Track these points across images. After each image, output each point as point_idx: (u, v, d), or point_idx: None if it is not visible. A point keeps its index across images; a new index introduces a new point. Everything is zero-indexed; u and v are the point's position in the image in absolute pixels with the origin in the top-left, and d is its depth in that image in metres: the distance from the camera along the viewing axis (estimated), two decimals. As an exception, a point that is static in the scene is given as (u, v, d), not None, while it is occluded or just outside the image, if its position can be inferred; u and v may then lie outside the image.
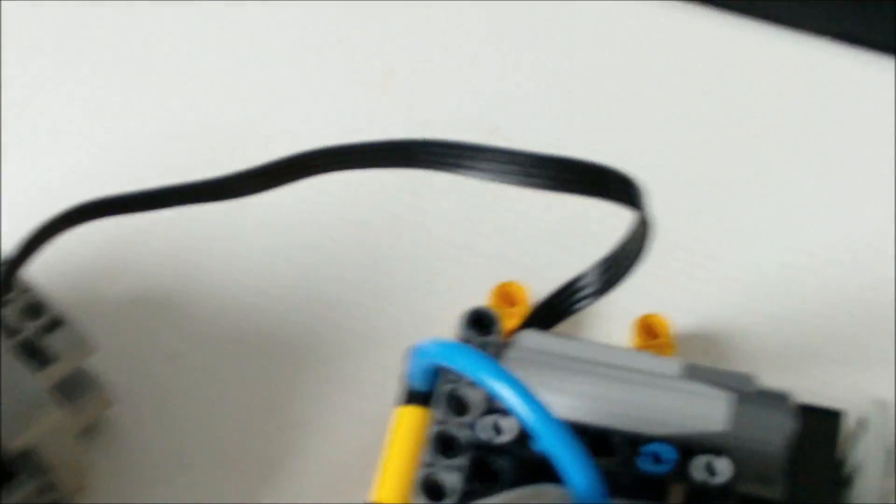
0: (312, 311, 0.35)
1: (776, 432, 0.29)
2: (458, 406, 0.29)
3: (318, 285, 0.35)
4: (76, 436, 0.30)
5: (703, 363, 0.33)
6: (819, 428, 0.30)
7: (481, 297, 0.35)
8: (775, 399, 0.29)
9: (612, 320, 0.35)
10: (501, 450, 0.28)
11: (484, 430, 0.28)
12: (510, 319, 0.34)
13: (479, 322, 0.31)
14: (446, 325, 0.32)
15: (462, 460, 0.28)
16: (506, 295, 0.35)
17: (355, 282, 0.35)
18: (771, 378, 0.34)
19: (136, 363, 0.33)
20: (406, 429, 0.30)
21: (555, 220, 0.36)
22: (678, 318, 0.35)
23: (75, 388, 0.31)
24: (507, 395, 0.26)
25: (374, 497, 0.29)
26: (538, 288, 0.34)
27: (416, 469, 0.29)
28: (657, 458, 0.27)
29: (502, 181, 0.30)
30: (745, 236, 0.37)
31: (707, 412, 0.29)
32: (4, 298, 0.29)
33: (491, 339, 0.30)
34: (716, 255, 0.37)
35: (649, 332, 0.34)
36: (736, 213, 0.38)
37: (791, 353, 0.35)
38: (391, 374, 0.32)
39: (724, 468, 0.27)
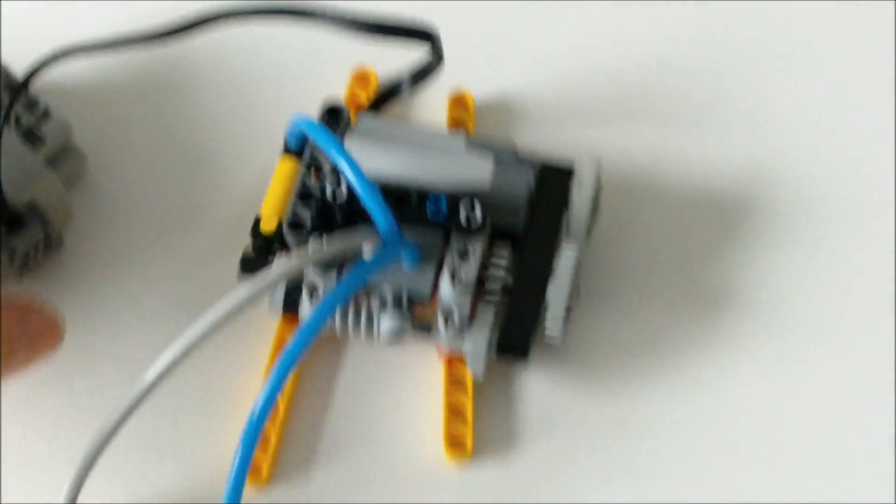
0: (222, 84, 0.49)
1: (521, 187, 0.43)
2: (315, 168, 0.44)
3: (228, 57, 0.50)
4: (62, 186, 0.45)
5: (493, 124, 0.48)
6: (558, 179, 0.45)
7: (346, 74, 0.49)
8: (524, 162, 0.44)
9: (436, 95, 0.49)
10: (339, 202, 0.43)
11: (328, 191, 0.43)
12: (363, 95, 0.49)
13: (333, 113, 0.45)
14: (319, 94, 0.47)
15: (314, 206, 0.43)
16: (361, 76, 0.50)
17: (259, 59, 0.50)
18: (543, 132, 0.49)
19: (102, 126, 0.48)
20: (283, 172, 0.44)
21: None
22: (481, 90, 0.49)
23: (60, 152, 0.45)
24: (342, 164, 0.41)
25: (261, 210, 0.44)
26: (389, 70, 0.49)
27: (287, 200, 0.43)
28: (437, 208, 0.43)
29: (343, 32, 0.44)
30: (534, 22, 0.51)
31: (477, 173, 0.43)
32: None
33: (340, 125, 0.45)
34: (512, 37, 0.51)
35: (459, 103, 0.49)
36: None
37: (561, 115, 0.50)
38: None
39: (479, 214, 0.42)
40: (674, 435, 0.44)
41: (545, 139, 0.49)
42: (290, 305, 0.43)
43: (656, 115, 0.50)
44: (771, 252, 0.47)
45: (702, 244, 0.47)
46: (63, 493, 0.40)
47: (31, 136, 0.44)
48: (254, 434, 0.38)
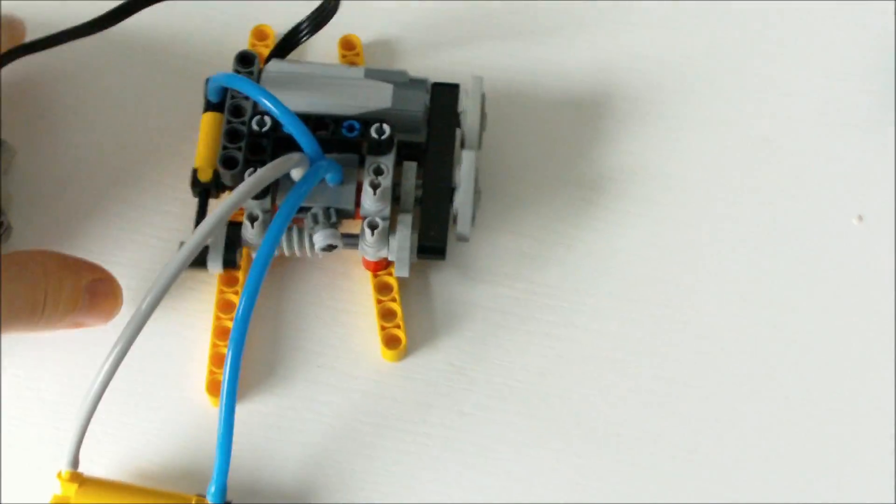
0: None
1: (418, 104, 0.50)
2: (237, 112, 0.50)
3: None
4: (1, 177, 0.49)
5: (381, 63, 0.54)
6: (447, 94, 0.51)
7: (246, 32, 0.55)
8: (419, 84, 0.50)
9: (327, 40, 0.54)
10: (265, 134, 0.49)
11: (254, 123, 0.49)
12: (264, 49, 0.54)
13: (245, 59, 0.51)
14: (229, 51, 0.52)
15: (242, 144, 0.49)
16: (259, 32, 0.55)
17: (164, 32, 0.55)
18: (424, 63, 0.55)
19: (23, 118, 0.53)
20: (208, 125, 0.50)
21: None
22: (366, 33, 0.56)
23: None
24: (265, 101, 0.46)
25: (196, 162, 0.49)
26: (280, 26, 0.54)
27: (217, 150, 0.49)
28: (351, 128, 0.49)
29: None
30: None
31: (379, 97, 0.50)
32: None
33: (252, 69, 0.51)
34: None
35: (348, 46, 0.55)
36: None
37: (435, 47, 0.56)
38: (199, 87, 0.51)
39: (387, 129, 0.49)
40: (576, 296, 0.51)
41: (427, 69, 0.55)
42: (229, 261, 0.48)
43: (514, 35, 0.56)
44: (634, 135, 0.54)
45: (575, 138, 0.54)
46: (66, 456, 0.44)
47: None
48: (238, 349, 0.43)
